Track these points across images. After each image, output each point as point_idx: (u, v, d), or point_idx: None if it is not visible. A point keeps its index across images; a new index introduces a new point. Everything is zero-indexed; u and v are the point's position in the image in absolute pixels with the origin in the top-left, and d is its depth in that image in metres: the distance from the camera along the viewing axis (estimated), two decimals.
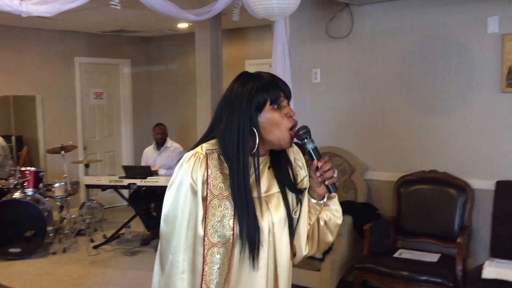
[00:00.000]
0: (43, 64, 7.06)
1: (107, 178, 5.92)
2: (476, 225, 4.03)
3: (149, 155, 6.26)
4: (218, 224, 1.47)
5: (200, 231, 1.47)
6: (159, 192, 5.70)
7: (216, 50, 5.71)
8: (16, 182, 5.61)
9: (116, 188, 5.91)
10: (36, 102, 6.99)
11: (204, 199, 1.48)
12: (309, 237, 1.62)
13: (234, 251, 1.48)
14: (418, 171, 4.22)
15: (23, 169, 5.81)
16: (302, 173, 1.66)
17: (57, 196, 5.90)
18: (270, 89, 1.51)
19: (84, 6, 3.44)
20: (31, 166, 6.09)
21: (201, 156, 1.51)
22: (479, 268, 3.54)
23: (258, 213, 1.50)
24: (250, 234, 1.46)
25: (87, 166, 6.46)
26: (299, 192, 1.60)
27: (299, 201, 1.60)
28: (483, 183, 3.96)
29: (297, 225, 1.59)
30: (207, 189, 1.48)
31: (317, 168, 1.53)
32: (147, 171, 5.75)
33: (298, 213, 1.59)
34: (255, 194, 1.51)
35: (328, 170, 1.52)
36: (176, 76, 8.06)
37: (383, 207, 4.41)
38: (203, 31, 5.65)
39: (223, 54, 5.91)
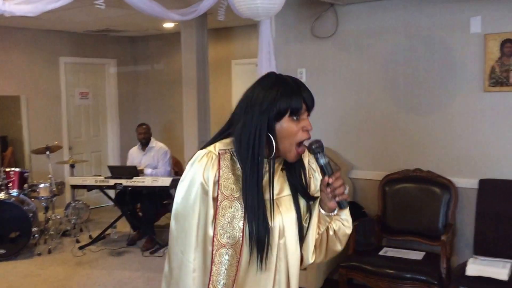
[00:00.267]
0: (27, 64, 7.00)
1: (92, 179, 5.89)
2: (460, 223, 4.08)
3: (134, 156, 6.23)
4: (228, 225, 1.46)
5: (210, 231, 1.47)
6: (145, 192, 5.69)
7: (202, 49, 5.71)
8: (0, 183, 5.56)
9: (101, 188, 5.88)
10: (20, 102, 6.92)
11: (215, 199, 1.47)
12: (317, 246, 1.61)
13: (243, 252, 1.47)
14: (403, 170, 4.26)
15: (7, 169, 5.76)
16: (316, 176, 1.64)
17: (42, 196, 5.86)
18: (293, 99, 1.47)
19: (68, 5, 3.42)
20: (16, 167, 6.03)
21: (214, 156, 1.50)
22: (463, 266, 3.59)
23: (268, 215, 1.49)
24: (259, 236, 1.45)
25: (72, 166, 6.42)
26: (309, 199, 1.60)
27: (309, 208, 1.59)
28: (466, 182, 4.01)
29: (306, 234, 1.59)
30: (218, 189, 1.47)
31: (328, 184, 1.51)
32: (133, 171, 5.73)
33: (308, 221, 1.59)
34: (267, 196, 1.50)
35: (339, 186, 1.50)
36: (162, 76, 8.04)
37: (368, 206, 4.44)
38: (189, 31, 5.64)
39: (209, 54, 5.91)
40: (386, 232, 4.23)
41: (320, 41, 4.62)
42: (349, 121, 4.57)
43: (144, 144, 6.14)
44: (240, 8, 3.40)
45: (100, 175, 6.10)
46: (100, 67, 8.00)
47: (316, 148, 1.53)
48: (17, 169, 5.80)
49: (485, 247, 3.76)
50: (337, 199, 1.51)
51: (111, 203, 6.52)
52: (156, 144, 6.16)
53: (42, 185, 5.86)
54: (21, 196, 5.71)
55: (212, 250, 1.46)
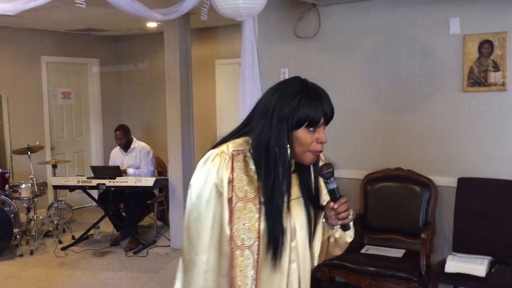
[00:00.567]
0: (8, 63, 6.92)
1: (75, 179, 5.85)
2: (439, 221, 4.14)
3: (116, 156, 6.20)
4: (243, 227, 1.46)
5: (226, 232, 1.46)
6: (128, 193, 5.67)
7: (185, 49, 5.71)
8: None
9: (84, 188, 5.85)
10: (1, 102, 6.85)
11: (229, 201, 1.46)
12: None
13: (260, 253, 1.47)
14: (384, 169, 4.31)
15: None
16: (323, 192, 1.65)
17: (24, 197, 5.80)
18: (313, 110, 1.47)
19: (48, 4, 3.40)
20: None
21: (227, 157, 1.49)
22: (442, 263, 3.64)
23: (283, 216, 1.50)
24: (275, 236, 1.46)
25: (54, 166, 6.37)
26: (316, 206, 1.62)
27: (316, 213, 1.62)
28: (445, 180, 4.07)
29: (313, 237, 1.61)
30: (232, 191, 1.46)
31: (333, 208, 1.53)
32: (116, 171, 5.70)
33: (314, 225, 1.61)
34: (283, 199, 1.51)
35: (344, 211, 1.52)
36: (146, 75, 8.01)
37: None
38: (172, 31, 5.64)
39: (193, 54, 5.91)
40: (367, 230, 4.28)
41: (303, 41, 4.65)
42: (331, 121, 4.60)
43: (124, 147, 6.11)
44: (222, 8, 3.41)
45: (82, 175, 6.06)
46: (82, 66, 7.95)
47: (327, 173, 1.53)
48: None
49: (464, 244, 3.82)
50: (340, 222, 1.54)
51: (94, 203, 6.50)
52: (138, 145, 6.13)
53: (23, 186, 5.81)
54: (2, 197, 5.66)
55: (231, 252, 1.45)
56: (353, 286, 3.95)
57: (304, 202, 1.58)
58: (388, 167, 4.30)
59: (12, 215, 5.52)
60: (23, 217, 6.06)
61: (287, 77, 4.69)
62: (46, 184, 6.20)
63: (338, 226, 1.57)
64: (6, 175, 5.80)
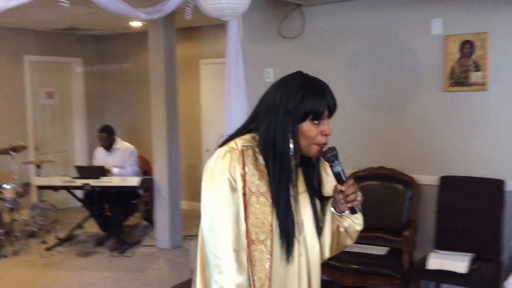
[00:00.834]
0: None
1: (59, 179, 5.82)
2: (422, 219, 4.20)
3: (100, 156, 6.17)
4: (258, 221, 1.48)
5: (242, 228, 1.47)
6: (113, 193, 5.65)
7: (169, 49, 5.70)
8: None
9: (68, 188, 5.81)
10: None
11: (243, 196, 1.49)
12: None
13: (273, 246, 1.49)
14: (367, 168, 4.35)
15: None
16: (329, 179, 1.67)
17: (7, 198, 5.75)
18: (317, 103, 1.50)
19: (31, 3, 3.38)
20: None
21: (237, 153, 1.51)
22: (424, 260, 3.70)
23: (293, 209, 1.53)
24: (287, 229, 1.49)
25: (38, 166, 6.32)
26: (322, 198, 1.64)
27: (323, 206, 1.64)
28: (428, 179, 4.13)
29: (322, 229, 1.63)
30: (245, 186, 1.48)
31: (340, 191, 1.54)
32: (101, 171, 5.68)
33: (323, 218, 1.63)
34: (291, 192, 1.53)
35: (352, 193, 1.53)
36: (130, 75, 7.98)
37: None
38: (156, 30, 5.63)
39: (178, 53, 5.91)
40: None
41: (287, 41, 4.68)
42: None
43: (107, 147, 6.08)
44: (207, 8, 3.42)
45: (67, 176, 6.02)
46: (66, 66, 7.89)
47: (331, 157, 1.55)
48: None
49: (445, 242, 3.88)
50: (349, 205, 1.55)
51: (79, 203, 6.46)
52: (122, 145, 6.10)
53: (6, 186, 5.75)
54: None
55: (248, 248, 1.47)
56: (337, 283, 3.99)
57: (310, 196, 1.60)
58: (371, 165, 4.35)
59: None
60: (6, 217, 6.00)
61: (272, 77, 4.75)
62: (30, 184, 6.15)
63: (347, 212, 1.59)
64: None
